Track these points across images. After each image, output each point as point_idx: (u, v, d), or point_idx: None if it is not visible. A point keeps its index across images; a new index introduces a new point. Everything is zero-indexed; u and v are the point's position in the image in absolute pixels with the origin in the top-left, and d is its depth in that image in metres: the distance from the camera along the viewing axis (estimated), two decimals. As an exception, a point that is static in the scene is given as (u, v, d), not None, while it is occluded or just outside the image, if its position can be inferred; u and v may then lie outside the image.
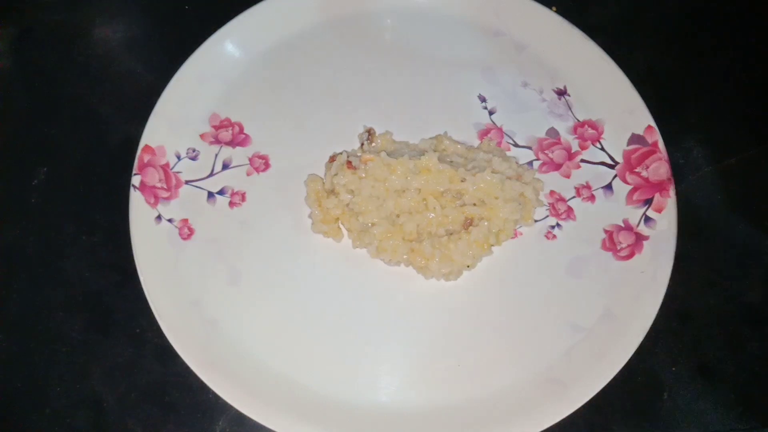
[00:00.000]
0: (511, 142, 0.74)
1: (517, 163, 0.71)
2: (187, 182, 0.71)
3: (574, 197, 0.72)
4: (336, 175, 0.67)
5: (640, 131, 0.72)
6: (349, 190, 0.67)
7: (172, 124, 0.72)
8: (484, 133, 0.74)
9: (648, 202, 0.71)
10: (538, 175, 0.72)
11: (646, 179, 0.71)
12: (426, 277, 0.67)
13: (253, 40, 0.76)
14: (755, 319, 0.71)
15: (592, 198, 0.72)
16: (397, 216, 0.67)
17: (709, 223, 0.75)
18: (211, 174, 0.71)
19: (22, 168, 0.75)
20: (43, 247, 0.72)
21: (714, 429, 0.68)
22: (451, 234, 0.66)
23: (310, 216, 0.69)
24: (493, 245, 0.67)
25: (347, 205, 0.67)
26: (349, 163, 0.67)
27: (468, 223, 0.66)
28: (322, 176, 0.70)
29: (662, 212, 0.70)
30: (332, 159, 0.70)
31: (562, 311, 0.67)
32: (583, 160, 0.73)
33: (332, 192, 0.68)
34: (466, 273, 0.67)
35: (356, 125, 0.73)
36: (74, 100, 0.78)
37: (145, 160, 0.70)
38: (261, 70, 0.75)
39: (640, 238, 0.69)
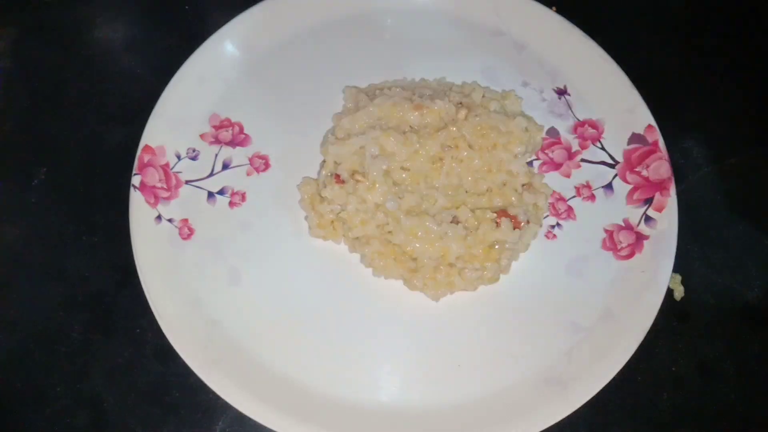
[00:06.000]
0: (511, 141, 0.74)
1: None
2: (187, 182, 0.71)
3: (574, 197, 0.72)
4: (325, 187, 0.66)
5: (640, 130, 0.72)
6: (337, 202, 0.66)
7: (172, 124, 0.71)
8: (484, 133, 0.74)
9: (648, 201, 0.70)
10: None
11: (647, 178, 0.71)
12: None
13: (253, 40, 0.76)
14: (755, 319, 0.71)
15: (592, 197, 0.72)
16: (389, 232, 0.65)
17: (709, 223, 0.75)
18: (211, 174, 0.71)
19: (22, 168, 0.75)
20: (43, 247, 0.72)
21: (714, 429, 0.68)
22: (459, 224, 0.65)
23: (306, 219, 0.69)
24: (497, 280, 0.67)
25: (338, 214, 0.67)
26: (336, 176, 0.66)
27: (502, 214, 0.66)
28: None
29: (663, 212, 0.70)
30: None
31: (562, 311, 0.67)
32: (583, 160, 0.73)
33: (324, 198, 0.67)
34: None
35: (356, 125, 0.73)
36: (74, 100, 0.78)
37: (145, 160, 0.70)
38: (261, 70, 0.75)
39: (640, 238, 0.69)
